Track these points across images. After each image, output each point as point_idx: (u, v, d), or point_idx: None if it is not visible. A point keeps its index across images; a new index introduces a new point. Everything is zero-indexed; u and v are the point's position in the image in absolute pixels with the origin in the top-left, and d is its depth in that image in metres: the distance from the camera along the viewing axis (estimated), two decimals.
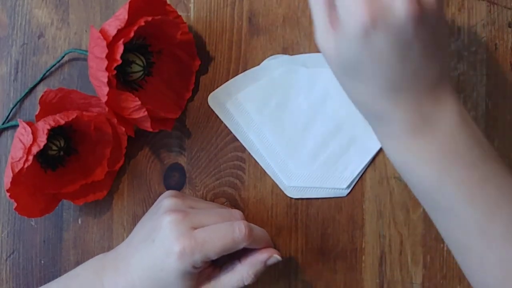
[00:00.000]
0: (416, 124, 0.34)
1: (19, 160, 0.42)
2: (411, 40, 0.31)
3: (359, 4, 0.30)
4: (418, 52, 0.32)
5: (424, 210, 0.48)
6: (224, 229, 0.40)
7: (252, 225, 0.42)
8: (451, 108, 0.34)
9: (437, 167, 0.34)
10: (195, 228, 0.40)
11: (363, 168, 0.48)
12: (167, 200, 0.43)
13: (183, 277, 0.40)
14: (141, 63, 0.46)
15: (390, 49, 0.32)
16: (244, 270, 0.42)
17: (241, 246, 0.40)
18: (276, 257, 0.42)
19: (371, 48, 0.32)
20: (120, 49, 0.42)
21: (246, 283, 0.42)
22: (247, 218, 0.50)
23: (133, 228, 0.46)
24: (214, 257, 0.40)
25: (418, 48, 0.32)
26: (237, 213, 0.44)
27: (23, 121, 0.44)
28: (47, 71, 0.51)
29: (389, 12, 0.31)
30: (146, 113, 0.43)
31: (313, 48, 0.49)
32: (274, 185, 0.49)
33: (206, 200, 0.50)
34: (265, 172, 0.49)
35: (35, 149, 0.42)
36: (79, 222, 0.51)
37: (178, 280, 0.40)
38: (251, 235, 0.40)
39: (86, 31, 0.51)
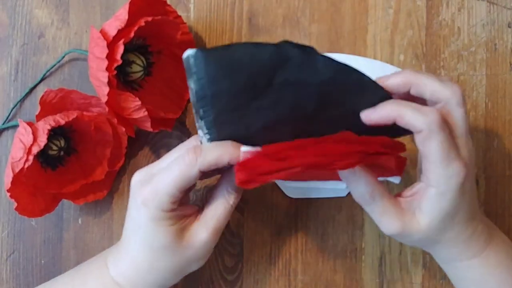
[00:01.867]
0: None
1: (19, 160, 0.42)
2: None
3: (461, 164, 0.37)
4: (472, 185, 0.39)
5: None
6: (174, 163, 0.39)
7: (206, 145, 0.39)
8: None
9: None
10: (156, 175, 0.39)
11: None
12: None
13: (158, 223, 0.39)
14: (141, 63, 0.46)
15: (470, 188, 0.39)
16: (223, 190, 0.40)
17: (194, 171, 0.38)
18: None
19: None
20: (120, 49, 0.42)
21: (231, 203, 0.40)
22: (247, 218, 0.50)
23: None
24: (176, 192, 0.38)
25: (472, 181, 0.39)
26: (192, 140, 0.41)
27: (24, 121, 0.44)
28: (47, 71, 0.51)
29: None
30: (146, 113, 0.43)
31: None
32: (274, 185, 0.49)
33: None
34: None
35: (35, 149, 0.42)
36: (79, 222, 0.51)
37: (157, 228, 0.39)
38: (196, 160, 0.38)
39: (86, 31, 0.51)
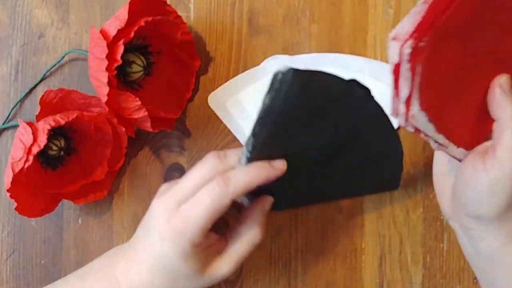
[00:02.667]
0: None
1: (19, 160, 0.42)
2: None
3: None
4: None
5: (424, 210, 0.48)
6: (204, 194, 0.38)
7: (231, 173, 0.38)
8: None
9: None
10: (182, 203, 0.39)
11: None
12: (160, 188, 0.43)
13: (187, 258, 0.38)
14: (141, 63, 0.46)
15: None
16: (248, 226, 0.40)
17: (226, 201, 0.37)
18: (267, 198, 0.41)
19: None
20: (120, 49, 0.42)
21: (255, 239, 0.40)
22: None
23: (134, 227, 0.46)
24: (208, 225, 0.38)
25: None
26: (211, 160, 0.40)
27: (24, 121, 0.44)
28: (47, 71, 0.51)
29: None
30: (146, 113, 0.43)
31: (313, 48, 0.49)
32: None
33: None
34: None
35: (35, 149, 0.42)
36: (79, 222, 0.51)
37: (183, 263, 0.38)
38: (228, 190, 0.37)
39: (86, 31, 0.51)
